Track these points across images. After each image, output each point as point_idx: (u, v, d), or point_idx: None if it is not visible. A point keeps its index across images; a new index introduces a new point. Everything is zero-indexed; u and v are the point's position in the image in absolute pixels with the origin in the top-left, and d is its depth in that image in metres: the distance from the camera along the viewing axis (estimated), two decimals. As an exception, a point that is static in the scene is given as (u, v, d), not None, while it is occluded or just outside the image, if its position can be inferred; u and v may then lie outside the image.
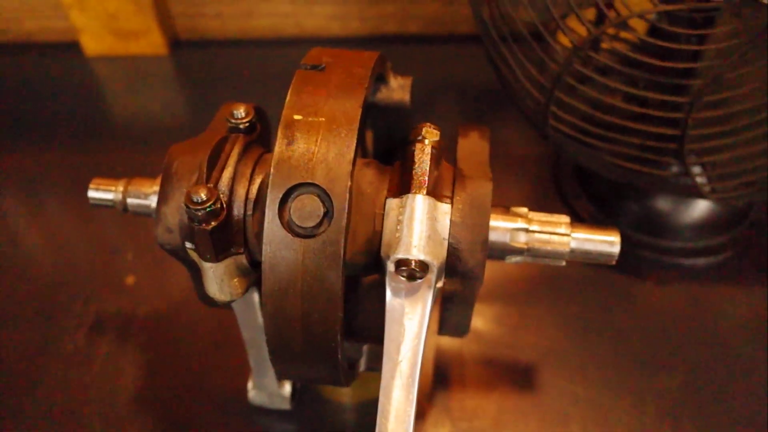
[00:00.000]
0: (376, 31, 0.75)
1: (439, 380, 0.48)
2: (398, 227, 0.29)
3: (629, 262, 0.55)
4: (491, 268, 0.53)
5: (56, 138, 0.67)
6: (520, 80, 0.45)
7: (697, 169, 0.47)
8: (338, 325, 0.29)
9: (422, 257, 0.29)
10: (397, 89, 0.38)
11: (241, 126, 0.33)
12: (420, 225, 0.29)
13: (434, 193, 0.30)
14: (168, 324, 0.51)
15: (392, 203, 0.30)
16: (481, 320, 0.52)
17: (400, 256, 0.29)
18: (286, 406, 0.45)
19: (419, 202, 0.29)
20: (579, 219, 0.58)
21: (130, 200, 0.37)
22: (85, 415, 0.46)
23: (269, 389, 0.45)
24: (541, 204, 0.61)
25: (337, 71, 0.31)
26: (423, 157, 0.30)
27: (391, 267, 0.29)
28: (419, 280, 0.29)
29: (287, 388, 0.45)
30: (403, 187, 0.30)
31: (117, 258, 0.56)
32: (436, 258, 0.29)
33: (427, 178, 0.30)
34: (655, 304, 0.53)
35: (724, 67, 0.39)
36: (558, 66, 0.42)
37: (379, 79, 0.37)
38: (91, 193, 0.37)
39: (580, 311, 0.52)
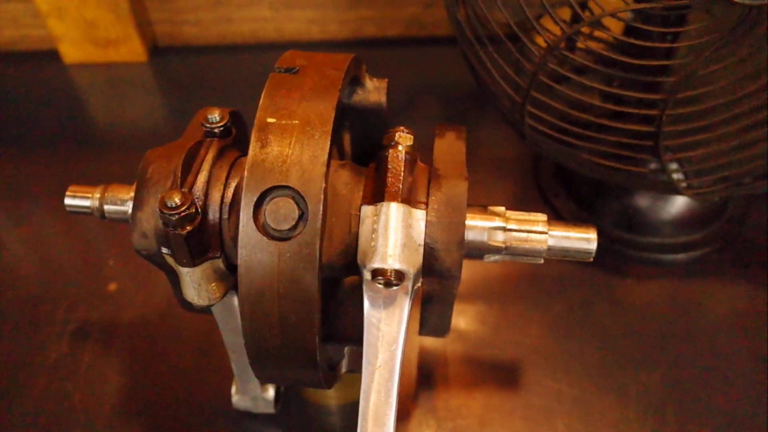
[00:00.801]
0: (355, 34, 0.75)
1: (423, 380, 0.48)
2: (373, 236, 0.30)
3: (610, 259, 0.55)
4: (471, 268, 0.55)
5: (36, 146, 0.67)
6: (496, 80, 0.46)
7: (673, 166, 0.47)
8: (316, 328, 0.29)
9: (398, 266, 0.29)
10: (374, 91, 0.38)
11: (216, 130, 0.33)
12: (395, 233, 0.29)
13: (408, 199, 0.30)
14: (151, 330, 0.51)
15: (367, 210, 0.30)
16: (463, 320, 0.52)
17: (376, 265, 0.29)
18: (270, 410, 0.45)
19: (393, 211, 0.30)
20: (560, 217, 0.58)
21: (107, 207, 0.36)
22: (69, 424, 0.46)
23: (253, 394, 0.44)
24: (522, 203, 0.61)
25: (310, 74, 0.31)
26: (396, 164, 0.30)
27: (367, 275, 0.30)
28: (396, 287, 0.30)
29: (271, 392, 0.44)
30: (377, 193, 0.30)
31: (99, 265, 0.56)
32: (412, 265, 0.30)
33: (401, 186, 0.30)
34: (636, 300, 0.53)
35: (697, 63, 0.39)
36: (533, 65, 0.42)
37: (355, 81, 0.37)
38: (68, 201, 0.37)
39: (563, 309, 0.52)
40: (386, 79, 0.38)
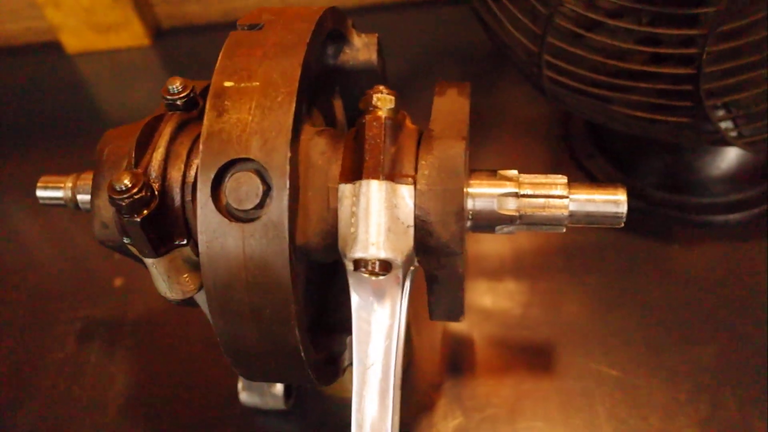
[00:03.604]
0: (366, 0, 0.71)
1: (448, 367, 0.45)
2: (353, 220, 0.25)
3: (653, 224, 0.51)
4: (494, 240, 0.50)
5: (43, 138, 0.66)
6: (508, 30, 0.40)
7: (719, 113, 0.41)
8: (293, 319, 0.25)
9: (382, 255, 0.25)
10: (363, 48, 0.34)
11: (178, 102, 0.29)
12: (377, 217, 0.25)
13: (392, 174, 0.26)
14: (158, 325, 0.50)
15: (345, 190, 0.26)
16: (490, 298, 0.48)
17: (358, 255, 0.25)
18: (280, 405, 0.42)
19: (374, 191, 0.25)
20: (594, 181, 0.53)
21: (80, 197, 0.34)
22: (77, 422, 0.45)
23: (260, 389, 0.42)
24: (552, 168, 0.56)
25: (275, 29, 0.27)
26: (375, 132, 0.26)
27: (349, 266, 0.26)
28: (383, 277, 0.25)
29: (279, 387, 0.42)
30: (355, 169, 0.26)
31: (104, 260, 0.54)
32: (399, 252, 0.26)
33: (381, 158, 0.26)
34: (684, 267, 0.49)
35: (740, -12, 0.34)
36: (548, 8, 0.37)
37: (340, 38, 0.33)
38: (40, 192, 0.35)
39: (600, 281, 0.48)
40: (376, 34, 0.34)
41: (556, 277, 0.49)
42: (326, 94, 0.35)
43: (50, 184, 0.35)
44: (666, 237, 0.50)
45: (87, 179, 0.34)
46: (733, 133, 0.42)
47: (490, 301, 0.48)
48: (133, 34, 0.69)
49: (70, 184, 0.34)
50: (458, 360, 0.45)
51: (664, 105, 0.41)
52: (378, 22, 0.70)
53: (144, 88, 0.70)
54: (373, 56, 0.34)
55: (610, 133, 0.53)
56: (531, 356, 0.45)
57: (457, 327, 0.47)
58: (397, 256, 0.25)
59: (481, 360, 0.45)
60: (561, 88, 0.42)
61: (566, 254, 0.50)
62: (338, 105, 0.37)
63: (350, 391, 0.44)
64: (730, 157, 0.50)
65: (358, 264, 0.25)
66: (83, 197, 0.34)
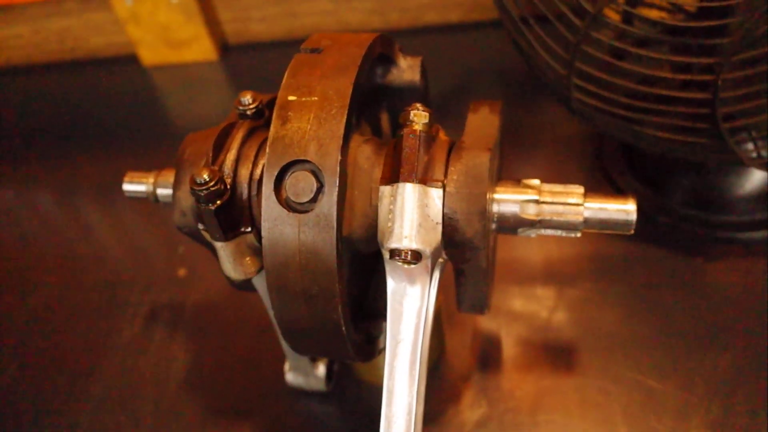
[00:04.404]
0: (416, 22, 0.75)
1: (475, 362, 0.48)
2: (390, 216, 0.30)
3: (679, 239, 0.53)
4: (529, 248, 0.53)
5: (121, 143, 0.72)
6: (540, 55, 0.44)
7: (740, 135, 0.44)
8: (337, 298, 0.30)
9: (414, 246, 0.30)
10: (407, 70, 0.38)
11: (248, 112, 0.34)
12: (410, 214, 0.30)
13: (424, 178, 0.30)
14: (215, 312, 0.54)
15: (385, 191, 0.31)
16: (519, 301, 0.51)
17: (393, 245, 0.30)
18: (321, 386, 0.46)
19: (408, 192, 0.30)
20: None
21: (159, 191, 0.39)
22: (140, 397, 0.49)
23: (304, 371, 0.46)
24: (584, 184, 0.59)
25: (332, 53, 0.32)
26: (411, 144, 0.30)
27: (386, 254, 0.30)
28: (414, 265, 0.30)
29: (321, 369, 0.46)
30: (394, 173, 0.31)
31: (170, 252, 0.59)
32: (428, 244, 0.30)
33: (416, 165, 0.30)
34: (705, 281, 0.50)
35: (753, 22, 0.37)
36: (576, 36, 0.41)
37: (388, 61, 0.38)
38: (126, 186, 0.40)
39: (625, 290, 0.50)
40: (420, 57, 0.38)
41: (584, 285, 0.51)
42: (374, 109, 0.40)
43: (135, 179, 0.40)
44: (691, 251, 0.52)
45: (167, 176, 0.39)
46: (753, 155, 0.45)
47: (520, 304, 0.51)
48: (202, 50, 0.76)
49: (152, 180, 0.39)
50: (486, 356, 0.48)
51: (686, 127, 0.44)
52: (424, 42, 0.75)
53: (210, 99, 0.76)
54: (417, 77, 0.38)
55: (641, 152, 0.56)
56: (554, 356, 0.47)
57: (487, 326, 0.50)
58: (426, 248, 0.30)
59: (507, 357, 0.48)
60: (588, 108, 0.46)
61: (594, 264, 0.52)
62: (384, 118, 0.41)
63: (381, 377, 0.48)
64: (755, 177, 0.52)
65: (393, 253, 0.30)
66: (162, 191, 0.39)
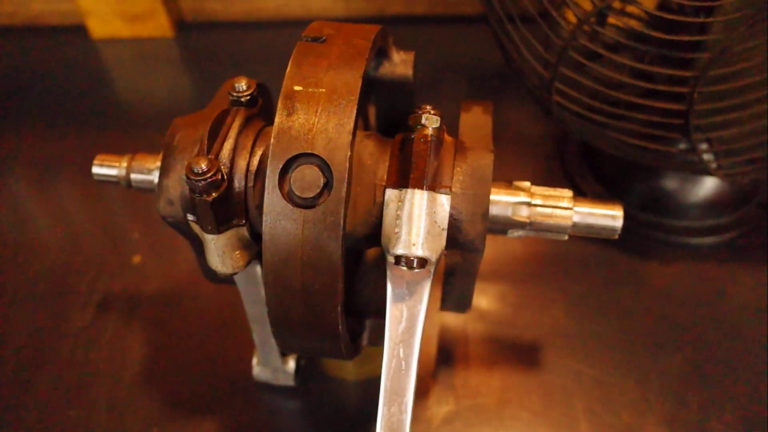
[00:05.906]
0: (381, 12, 0.75)
1: (443, 358, 0.48)
2: (397, 222, 0.29)
3: (635, 242, 0.55)
4: (494, 247, 0.54)
5: (63, 119, 0.68)
6: (524, 57, 0.45)
7: (703, 146, 0.46)
8: (338, 296, 0.29)
9: (420, 253, 0.29)
10: (400, 64, 0.38)
11: (243, 99, 0.33)
12: (418, 221, 0.29)
13: (433, 185, 0.30)
14: (174, 302, 0.52)
15: (392, 195, 0.30)
16: (485, 299, 0.52)
17: (400, 252, 0.29)
18: (290, 382, 0.45)
19: (418, 199, 0.29)
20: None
21: (133, 176, 0.37)
22: (92, 390, 0.47)
23: (274, 365, 0.45)
24: (546, 183, 0.60)
25: (338, 43, 0.31)
26: (422, 149, 0.30)
27: (391, 259, 0.30)
28: (418, 271, 0.30)
29: (291, 364, 0.45)
30: (402, 177, 0.30)
31: (123, 237, 0.56)
32: (434, 252, 0.30)
33: (426, 170, 0.30)
34: (660, 283, 0.53)
35: (730, 39, 0.38)
36: (563, 41, 0.41)
37: (382, 54, 0.37)
38: (96, 169, 0.38)
39: (585, 290, 0.52)
40: (413, 52, 0.38)
41: (546, 284, 0.52)
42: (364, 101, 0.39)
43: (106, 162, 0.37)
44: (646, 254, 0.54)
45: (142, 160, 0.37)
46: (714, 165, 0.47)
47: (485, 301, 0.52)
48: (157, 25, 0.72)
49: (125, 164, 0.37)
50: (452, 353, 0.49)
51: (656, 135, 0.45)
52: (397, 34, 0.74)
53: (163, 78, 0.72)
54: (410, 72, 0.38)
55: (601, 155, 0.58)
56: (518, 353, 0.48)
57: (453, 323, 0.50)
58: (432, 255, 0.29)
59: (473, 354, 0.48)
60: (566, 112, 0.47)
61: (556, 264, 0.54)
62: (371, 111, 0.40)
63: (349, 374, 0.48)
64: (708, 186, 0.54)
65: (399, 259, 0.29)
66: (137, 176, 0.37)
